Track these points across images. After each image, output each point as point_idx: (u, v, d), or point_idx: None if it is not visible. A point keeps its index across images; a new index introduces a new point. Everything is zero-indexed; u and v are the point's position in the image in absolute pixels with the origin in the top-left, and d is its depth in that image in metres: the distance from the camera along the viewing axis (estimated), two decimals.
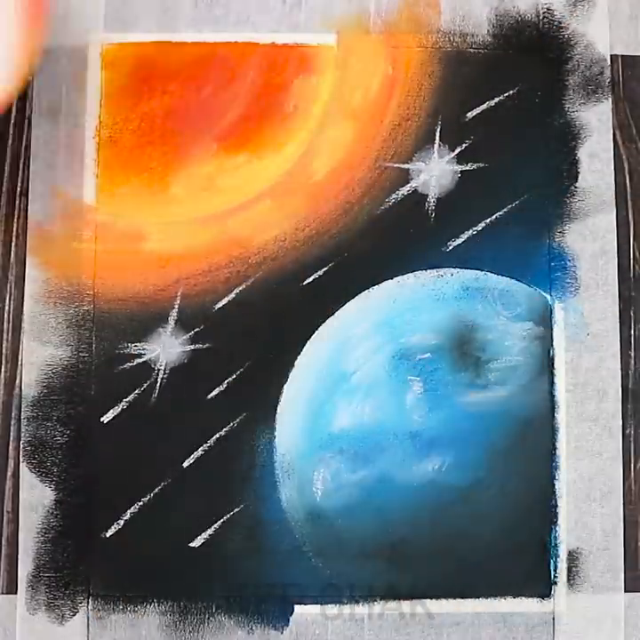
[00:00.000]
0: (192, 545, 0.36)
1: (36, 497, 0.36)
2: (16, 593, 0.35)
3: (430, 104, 0.38)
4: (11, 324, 0.37)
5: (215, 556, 0.36)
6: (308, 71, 0.38)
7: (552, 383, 0.37)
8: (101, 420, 0.36)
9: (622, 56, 0.39)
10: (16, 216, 0.37)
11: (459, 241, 0.37)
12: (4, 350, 0.37)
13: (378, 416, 0.37)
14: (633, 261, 0.38)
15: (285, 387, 0.36)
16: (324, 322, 0.37)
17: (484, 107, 0.38)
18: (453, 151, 0.38)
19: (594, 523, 0.37)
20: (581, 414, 0.37)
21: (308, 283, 0.37)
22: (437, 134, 0.38)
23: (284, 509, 0.36)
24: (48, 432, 0.36)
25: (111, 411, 0.36)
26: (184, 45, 0.37)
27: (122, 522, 0.36)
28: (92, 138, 0.37)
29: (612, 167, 0.38)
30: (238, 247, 0.37)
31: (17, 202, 0.37)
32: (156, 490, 0.36)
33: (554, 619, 0.36)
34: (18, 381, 0.36)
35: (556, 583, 0.36)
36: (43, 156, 0.37)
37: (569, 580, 0.36)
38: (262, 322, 0.37)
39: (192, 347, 0.37)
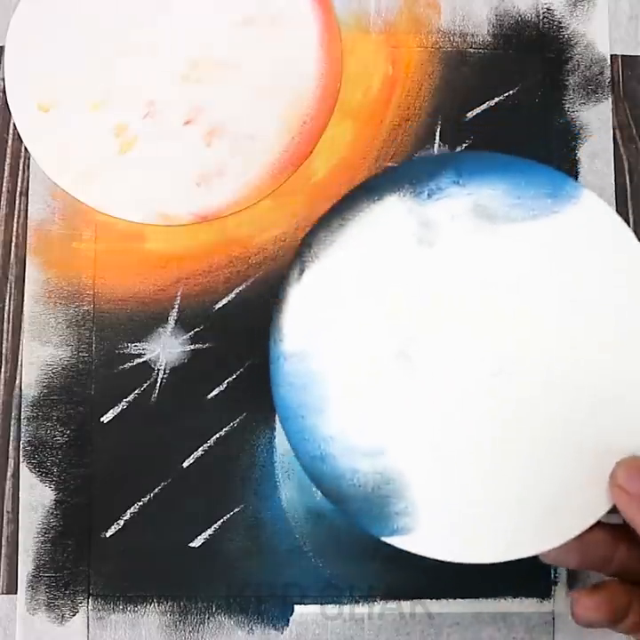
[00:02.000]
0: (192, 545, 0.36)
1: (35, 497, 0.36)
2: (16, 593, 0.35)
3: (430, 104, 0.38)
4: (11, 324, 0.37)
5: (215, 556, 0.36)
6: None
7: None
8: (101, 420, 0.36)
9: (622, 56, 0.39)
10: (16, 216, 0.37)
11: None
12: (3, 350, 0.37)
13: None
14: None
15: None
16: None
17: (484, 107, 0.38)
18: (454, 151, 0.38)
19: None
20: None
21: None
22: (437, 134, 0.38)
23: (284, 509, 0.36)
24: (48, 432, 0.36)
25: (111, 411, 0.36)
26: None
27: (122, 522, 0.36)
28: None
29: (612, 167, 0.38)
30: (238, 247, 0.37)
31: (17, 202, 0.37)
32: (156, 490, 0.36)
33: (554, 619, 0.36)
34: (18, 381, 0.36)
35: (556, 583, 0.36)
36: None
37: (569, 580, 0.36)
38: (262, 322, 0.37)
39: (192, 347, 0.37)
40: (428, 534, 0.30)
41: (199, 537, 0.36)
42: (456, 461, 0.30)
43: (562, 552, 0.29)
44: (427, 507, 0.30)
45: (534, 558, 0.30)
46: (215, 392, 0.36)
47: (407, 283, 0.31)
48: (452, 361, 0.31)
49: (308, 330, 0.31)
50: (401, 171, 0.32)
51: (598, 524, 0.29)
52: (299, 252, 0.31)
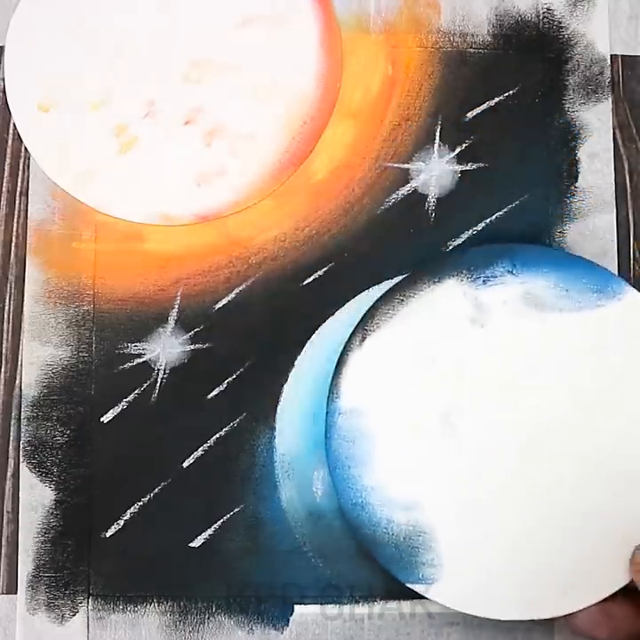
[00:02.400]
0: (192, 545, 0.36)
1: (35, 497, 0.36)
2: (16, 593, 0.35)
3: (430, 104, 0.38)
4: (11, 324, 0.37)
5: (215, 556, 0.36)
6: None
7: None
8: (101, 420, 0.36)
9: (622, 56, 0.39)
10: (16, 216, 0.37)
11: (459, 241, 0.37)
12: (3, 350, 0.37)
13: None
14: (633, 261, 0.38)
15: (285, 387, 0.36)
16: (323, 322, 0.37)
17: (484, 107, 0.38)
18: (453, 151, 0.38)
19: None
20: None
21: (308, 283, 0.37)
22: (437, 134, 0.38)
23: (284, 509, 0.36)
24: (48, 432, 0.36)
25: (111, 411, 0.36)
26: None
27: (122, 522, 0.36)
28: None
29: (612, 167, 0.38)
30: (238, 247, 0.37)
31: (17, 202, 0.37)
32: (156, 490, 0.36)
33: (554, 619, 0.36)
34: (18, 381, 0.36)
35: None
36: None
37: None
38: (262, 322, 0.37)
39: (192, 347, 0.37)
40: (451, 586, 0.33)
41: (199, 537, 0.36)
42: (484, 522, 0.33)
43: (591, 625, 0.31)
44: (452, 561, 0.33)
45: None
46: (215, 392, 0.36)
47: (457, 357, 0.34)
48: (489, 430, 0.34)
49: (363, 391, 0.34)
50: (461, 258, 0.35)
51: (626, 598, 0.31)
52: (362, 321, 0.35)
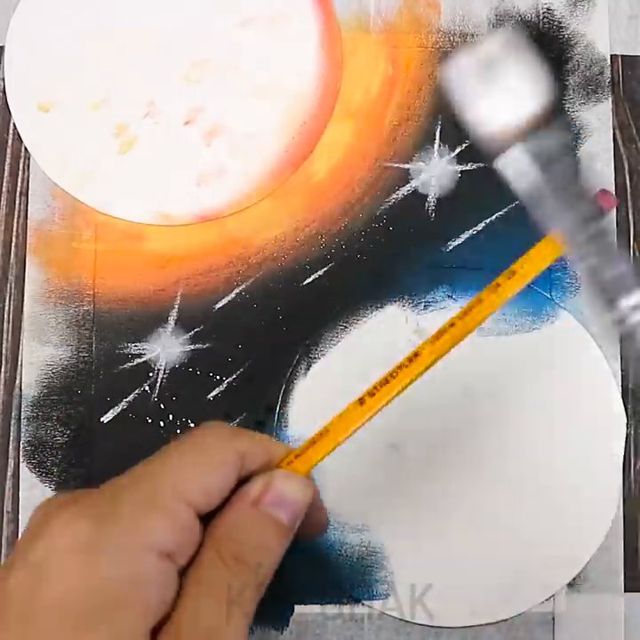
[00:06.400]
0: None
1: (35, 497, 0.36)
2: None
3: (430, 104, 0.38)
4: (11, 324, 0.37)
5: None
6: None
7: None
8: (101, 420, 0.36)
9: (622, 56, 0.39)
10: (16, 216, 0.37)
11: (459, 241, 0.37)
12: (3, 350, 0.37)
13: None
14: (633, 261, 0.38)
15: (285, 386, 0.36)
16: (324, 322, 0.37)
17: None
18: (453, 151, 0.38)
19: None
20: None
21: (308, 283, 0.37)
22: (437, 134, 0.38)
23: None
24: (48, 432, 0.36)
25: (111, 411, 0.36)
26: None
27: None
28: None
29: (612, 167, 0.38)
30: (238, 247, 0.37)
31: (17, 202, 0.37)
32: None
33: (554, 619, 0.36)
34: (18, 381, 0.36)
35: None
36: None
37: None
38: (262, 322, 0.37)
39: (192, 347, 0.37)
40: (403, 600, 0.35)
41: None
42: (431, 539, 0.35)
43: None
44: (403, 576, 0.35)
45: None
46: (215, 392, 0.36)
47: None
48: (433, 453, 0.35)
49: (311, 419, 0.35)
50: (402, 283, 0.36)
51: None
52: (306, 348, 0.36)
